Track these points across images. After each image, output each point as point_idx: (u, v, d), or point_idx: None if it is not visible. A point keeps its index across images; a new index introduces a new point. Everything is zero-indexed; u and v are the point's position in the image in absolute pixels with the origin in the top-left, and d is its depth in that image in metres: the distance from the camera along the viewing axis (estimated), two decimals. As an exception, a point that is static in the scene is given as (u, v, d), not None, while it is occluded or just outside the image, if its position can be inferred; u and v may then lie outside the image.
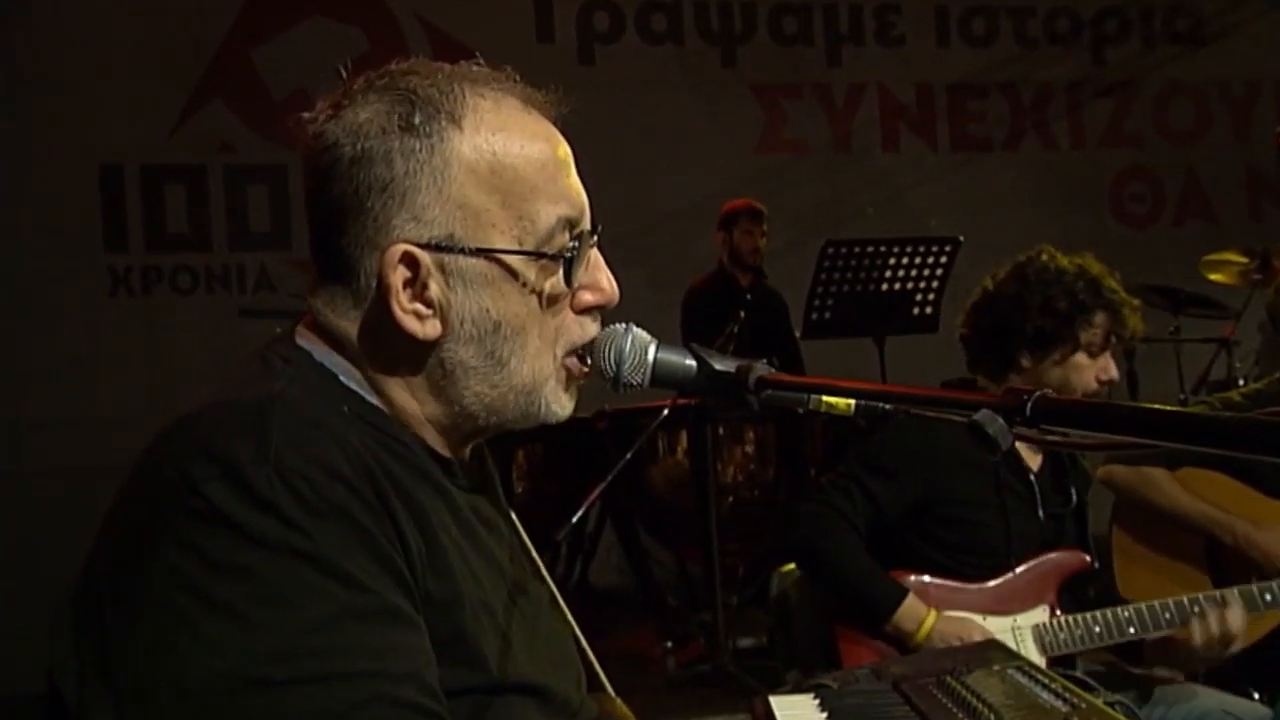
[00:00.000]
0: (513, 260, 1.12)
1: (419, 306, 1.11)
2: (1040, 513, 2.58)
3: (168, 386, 6.01)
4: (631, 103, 6.65)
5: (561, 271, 1.14)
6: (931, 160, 7.22)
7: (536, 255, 1.13)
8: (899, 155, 7.18)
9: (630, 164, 6.56)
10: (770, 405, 1.22)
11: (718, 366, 1.22)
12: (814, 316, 4.83)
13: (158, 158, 6.21)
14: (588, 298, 1.18)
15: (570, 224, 1.15)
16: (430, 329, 1.12)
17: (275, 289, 6.33)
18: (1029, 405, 0.86)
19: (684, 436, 4.73)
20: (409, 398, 1.15)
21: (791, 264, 5.96)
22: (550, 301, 1.15)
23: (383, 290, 1.11)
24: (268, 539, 0.97)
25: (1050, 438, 0.87)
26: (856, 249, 4.76)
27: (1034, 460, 2.64)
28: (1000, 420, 0.86)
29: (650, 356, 1.20)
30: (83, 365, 6.00)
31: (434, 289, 1.11)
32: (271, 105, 6.25)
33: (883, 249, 4.77)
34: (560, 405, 1.18)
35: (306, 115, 1.14)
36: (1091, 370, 2.53)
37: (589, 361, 1.19)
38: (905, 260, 4.77)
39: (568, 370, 1.18)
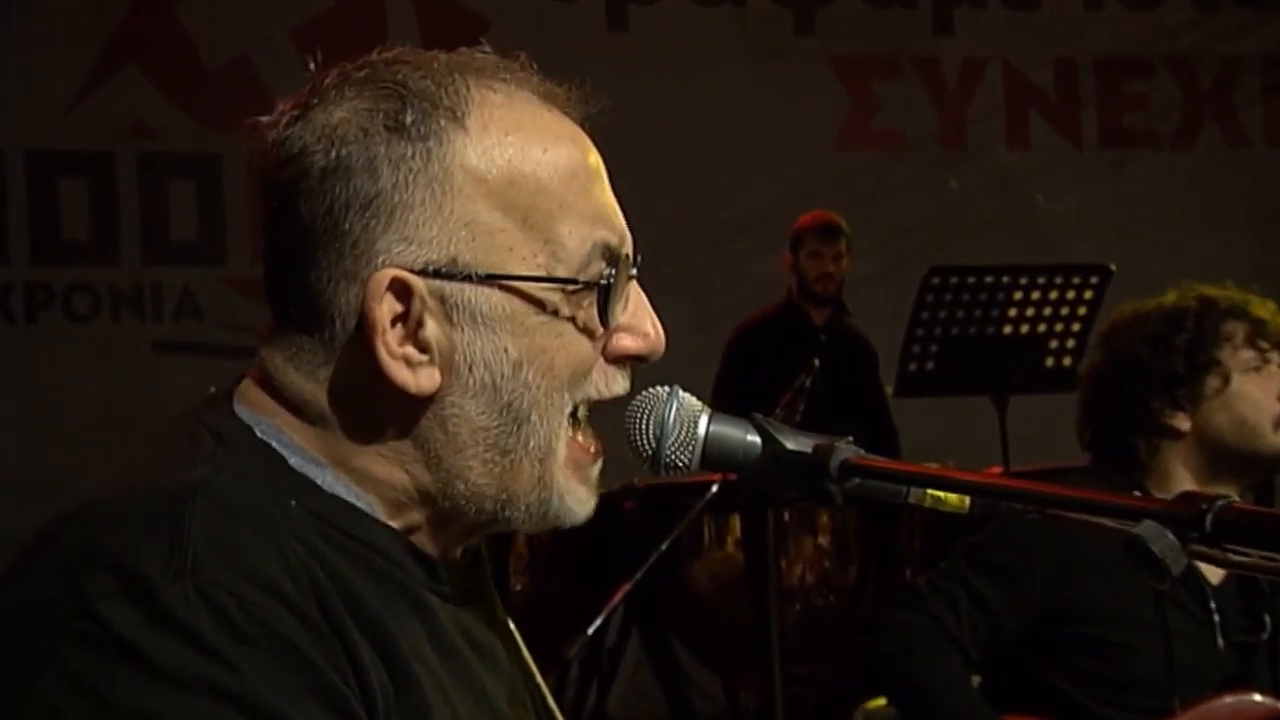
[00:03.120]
0: (535, 289, 1.14)
1: (410, 350, 1.13)
2: (1219, 640, 2.57)
3: (57, 441, 6.06)
4: (675, 81, 6.70)
5: (596, 304, 1.16)
6: (1074, 161, 7.22)
7: (566, 283, 1.15)
8: (1030, 154, 7.18)
9: (672, 161, 6.60)
10: (858, 498, 1.23)
11: (789, 445, 1.23)
12: (912, 367, 4.82)
13: (50, 141, 6.30)
14: (627, 343, 1.20)
15: (608, 250, 1.18)
16: (425, 380, 1.13)
17: (202, 316, 6.39)
18: (1210, 518, 0.86)
19: (737, 523, 4.71)
20: (395, 468, 1.16)
21: (882, 296, 5.95)
22: (586, 337, 1.17)
23: (365, 330, 1.12)
24: (182, 674, 0.98)
25: (1239, 559, 0.87)
26: (971, 279, 4.75)
27: (1214, 570, 2.63)
28: (1170, 536, 0.86)
29: (701, 430, 1.22)
30: (-54, 412, 6.07)
31: (431, 328, 1.13)
32: (202, 75, 6.34)
33: (1006, 279, 4.75)
34: (577, 498, 1.20)
35: (264, 119, 1.16)
36: (1268, 389, 2.59)
37: (596, 439, 1.21)
38: (1037, 294, 4.75)
39: (572, 453, 1.19)
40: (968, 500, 1.18)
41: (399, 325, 1.13)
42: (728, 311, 5.98)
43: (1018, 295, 4.73)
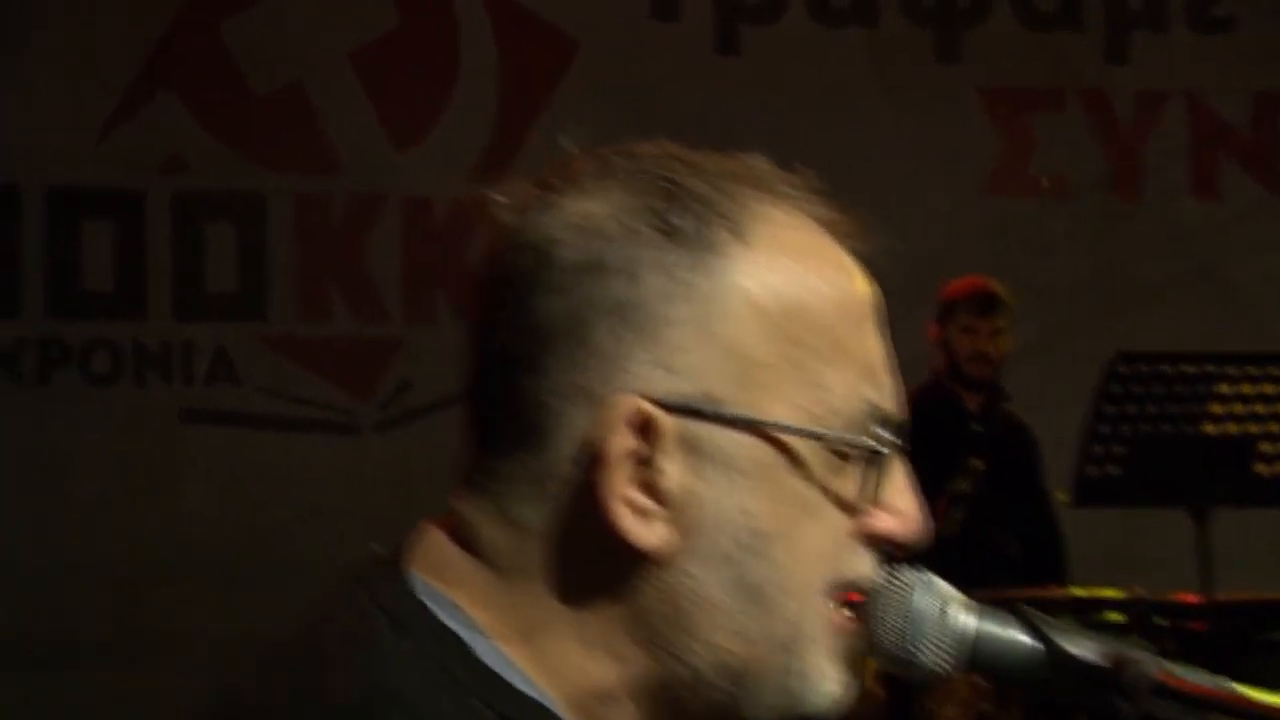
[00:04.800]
0: (799, 445, 1.13)
1: (644, 499, 1.11)
2: None
3: (65, 523, 6.09)
4: (794, 114, 6.69)
5: (860, 474, 1.16)
6: (1275, 213, 7.11)
7: (839, 442, 1.14)
8: (1220, 205, 7.10)
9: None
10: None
11: (1072, 650, 1.19)
12: (1093, 471, 4.77)
13: (73, 177, 6.38)
14: (887, 524, 1.18)
15: (880, 413, 1.16)
16: (658, 537, 1.11)
17: (239, 381, 6.42)
18: None
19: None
20: (597, 653, 1.13)
21: (1036, 372, 5.88)
22: (845, 514, 1.16)
23: (593, 465, 1.11)
24: None
25: None
26: (1166, 367, 4.71)
27: None
28: None
29: (968, 629, 1.19)
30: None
31: (672, 474, 1.11)
32: (249, 103, 6.40)
33: (1210, 368, 4.72)
34: (831, 680, 1.17)
35: (500, 198, 1.16)
36: None
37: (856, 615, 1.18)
38: (1247, 388, 4.71)
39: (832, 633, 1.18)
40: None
41: (633, 466, 1.11)
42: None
43: (1224, 388, 4.71)
